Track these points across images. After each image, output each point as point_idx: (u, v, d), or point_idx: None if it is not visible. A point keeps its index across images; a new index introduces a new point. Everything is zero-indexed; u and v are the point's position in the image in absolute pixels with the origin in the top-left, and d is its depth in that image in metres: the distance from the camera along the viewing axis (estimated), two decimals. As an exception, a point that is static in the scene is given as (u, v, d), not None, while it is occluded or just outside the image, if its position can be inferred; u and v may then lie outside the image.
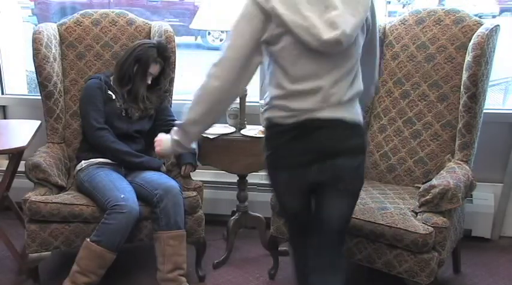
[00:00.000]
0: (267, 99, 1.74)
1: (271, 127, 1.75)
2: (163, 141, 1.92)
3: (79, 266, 2.32)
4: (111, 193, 2.37)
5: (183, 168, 2.59)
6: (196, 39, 6.70)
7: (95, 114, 2.57)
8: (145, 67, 2.60)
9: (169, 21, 5.05)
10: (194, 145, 2.68)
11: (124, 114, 2.64)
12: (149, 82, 2.66)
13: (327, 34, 1.55)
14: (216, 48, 6.78)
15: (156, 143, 1.97)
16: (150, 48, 2.62)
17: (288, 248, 2.27)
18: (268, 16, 1.59)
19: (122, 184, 2.46)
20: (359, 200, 1.96)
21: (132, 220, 2.32)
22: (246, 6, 1.63)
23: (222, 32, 6.29)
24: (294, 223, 1.98)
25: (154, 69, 2.64)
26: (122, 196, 2.35)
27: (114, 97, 2.63)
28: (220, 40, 6.57)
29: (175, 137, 1.84)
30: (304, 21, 1.56)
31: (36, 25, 3.03)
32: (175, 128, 1.85)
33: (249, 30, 1.63)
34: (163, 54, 2.65)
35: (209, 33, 6.53)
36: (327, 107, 1.66)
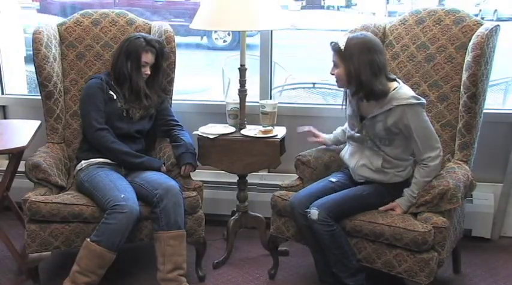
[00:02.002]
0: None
1: None
2: (400, 207, 2.32)
3: (79, 266, 2.32)
4: (111, 192, 2.37)
5: (183, 168, 2.59)
6: (202, 39, 6.69)
7: (96, 114, 2.57)
8: (137, 58, 2.59)
9: (172, 21, 5.04)
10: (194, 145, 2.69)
11: (125, 114, 2.64)
12: (148, 72, 2.64)
13: None
14: (216, 49, 6.77)
15: (394, 211, 2.33)
16: (136, 39, 2.61)
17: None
18: None
19: (122, 183, 2.46)
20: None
21: (132, 219, 2.32)
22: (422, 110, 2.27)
23: (228, 34, 6.34)
24: None
25: (147, 57, 2.62)
26: (122, 195, 2.35)
27: (115, 97, 2.63)
28: (224, 41, 6.57)
29: (411, 201, 2.30)
30: None
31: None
32: (407, 199, 2.31)
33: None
34: (151, 43, 2.63)
35: (215, 32, 6.48)
36: None
